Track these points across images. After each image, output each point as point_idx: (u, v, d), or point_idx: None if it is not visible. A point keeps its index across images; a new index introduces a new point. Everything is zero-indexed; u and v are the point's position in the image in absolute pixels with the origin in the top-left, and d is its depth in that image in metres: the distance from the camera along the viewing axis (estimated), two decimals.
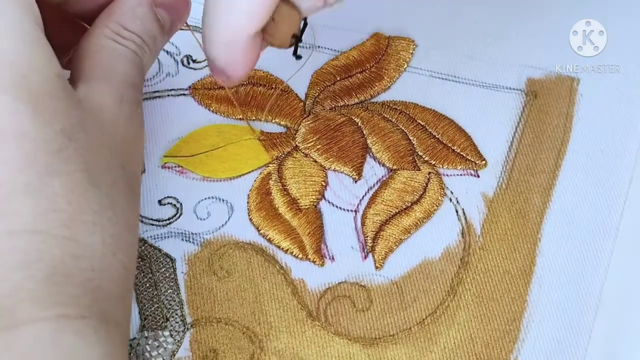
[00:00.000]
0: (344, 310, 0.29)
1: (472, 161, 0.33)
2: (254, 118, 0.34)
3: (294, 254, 0.31)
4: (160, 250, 0.30)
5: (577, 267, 0.30)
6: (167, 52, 0.36)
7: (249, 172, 0.33)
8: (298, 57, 0.29)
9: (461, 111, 0.35)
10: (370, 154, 0.33)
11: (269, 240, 0.31)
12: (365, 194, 0.32)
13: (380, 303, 0.30)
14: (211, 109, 0.34)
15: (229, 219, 0.31)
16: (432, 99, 0.35)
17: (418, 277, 0.30)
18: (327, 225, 0.31)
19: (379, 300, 0.30)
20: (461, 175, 0.33)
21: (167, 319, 0.29)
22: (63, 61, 0.25)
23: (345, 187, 0.33)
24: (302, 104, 0.35)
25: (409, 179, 0.33)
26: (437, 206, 0.32)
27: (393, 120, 0.34)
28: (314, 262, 0.30)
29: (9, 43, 0.22)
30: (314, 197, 0.32)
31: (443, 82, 0.36)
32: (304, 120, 0.34)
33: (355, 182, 0.33)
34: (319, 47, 0.37)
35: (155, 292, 0.29)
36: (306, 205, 0.32)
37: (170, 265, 0.30)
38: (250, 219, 0.31)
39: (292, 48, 0.29)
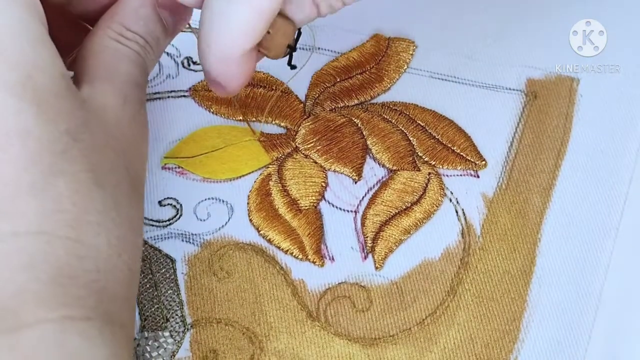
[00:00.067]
0: (344, 311, 0.29)
1: (472, 161, 0.33)
2: (254, 119, 0.34)
3: (294, 254, 0.31)
4: (160, 251, 0.30)
5: (577, 267, 0.30)
6: (167, 53, 0.36)
7: (249, 173, 0.33)
8: (293, 67, 0.30)
9: (461, 112, 0.35)
10: (370, 154, 0.33)
11: (269, 241, 0.31)
12: (365, 194, 0.32)
13: (380, 303, 0.30)
14: (211, 110, 0.34)
15: (229, 219, 0.31)
16: (432, 100, 0.35)
17: (418, 278, 0.30)
18: (327, 226, 0.32)
19: (378, 300, 0.30)
20: (461, 175, 0.33)
21: (167, 320, 0.29)
22: (66, 61, 0.25)
23: (345, 188, 0.33)
24: (302, 105, 0.35)
25: (408, 179, 0.33)
26: (437, 206, 0.32)
27: (393, 121, 0.34)
28: (314, 262, 0.31)
29: (14, 43, 0.22)
30: (314, 197, 0.32)
31: (443, 83, 0.36)
32: (304, 122, 0.34)
33: (355, 182, 0.33)
34: (318, 48, 0.37)
35: (156, 293, 0.29)
36: (306, 206, 0.32)
37: (171, 266, 0.30)
38: (251, 220, 0.31)
39: (287, 57, 0.29)
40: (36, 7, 0.24)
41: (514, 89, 0.35)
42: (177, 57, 0.36)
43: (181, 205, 0.32)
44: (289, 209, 0.32)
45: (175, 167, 0.33)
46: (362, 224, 0.32)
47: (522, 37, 0.37)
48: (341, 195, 0.32)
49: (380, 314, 0.29)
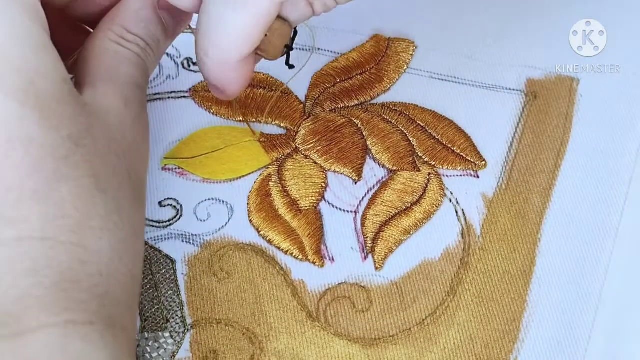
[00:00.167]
0: (344, 311, 0.29)
1: (472, 162, 0.33)
2: (254, 120, 0.34)
3: (294, 255, 0.31)
4: (160, 251, 0.30)
5: (577, 267, 0.30)
6: (167, 54, 0.36)
7: (249, 173, 0.33)
8: (291, 67, 0.30)
9: (461, 112, 0.35)
10: (370, 155, 0.33)
11: (269, 242, 0.31)
12: (365, 195, 0.32)
13: (380, 304, 0.30)
14: (211, 111, 0.34)
15: (229, 220, 0.32)
16: (432, 100, 0.35)
17: (418, 278, 0.30)
18: (327, 227, 0.32)
19: (378, 301, 0.30)
20: (461, 175, 0.33)
21: (168, 320, 0.29)
22: (67, 64, 0.25)
23: (345, 189, 0.33)
24: (302, 105, 0.35)
25: (408, 179, 0.33)
26: (437, 207, 0.32)
27: (393, 121, 0.34)
28: (314, 263, 0.31)
29: (17, 49, 0.22)
30: (314, 198, 0.32)
31: (443, 83, 0.36)
32: (304, 122, 0.34)
33: (355, 183, 0.33)
34: (318, 49, 0.37)
35: (156, 294, 0.29)
36: (306, 207, 0.32)
37: (171, 266, 0.30)
38: (251, 221, 0.31)
39: (285, 57, 0.29)
40: (38, 13, 0.24)
41: (514, 89, 0.35)
42: (177, 58, 0.36)
43: (181, 205, 0.32)
44: (289, 209, 0.32)
45: (176, 168, 0.33)
46: (362, 225, 0.32)
47: (522, 37, 0.37)
48: (341, 196, 0.32)
49: (380, 315, 0.29)
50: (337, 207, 0.32)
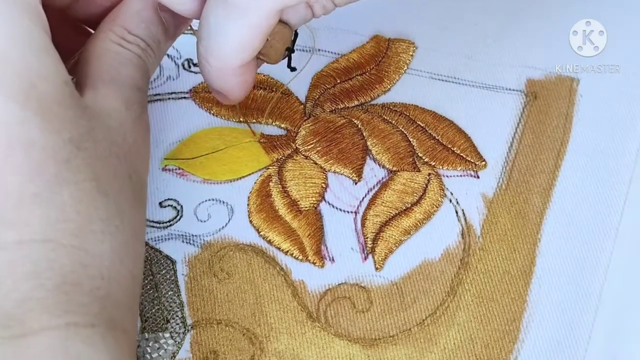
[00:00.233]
0: (344, 312, 0.29)
1: (472, 162, 0.33)
2: (254, 121, 0.34)
3: (294, 255, 0.31)
4: (160, 252, 0.30)
5: (577, 267, 0.30)
6: (168, 55, 0.36)
7: (250, 174, 0.33)
8: (292, 69, 0.30)
9: (461, 112, 0.35)
10: (370, 155, 0.34)
11: (269, 242, 0.31)
12: (365, 195, 0.32)
13: (380, 304, 0.30)
14: (212, 112, 0.34)
15: (229, 220, 0.32)
16: (432, 101, 0.35)
17: (418, 278, 0.30)
18: (327, 227, 0.32)
19: (379, 301, 0.30)
20: (461, 176, 0.33)
21: (168, 321, 0.29)
22: (68, 65, 0.26)
23: (346, 189, 0.33)
24: (302, 106, 0.35)
25: (409, 180, 0.33)
26: (437, 207, 0.32)
27: (393, 122, 0.34)
28: (314, 263, 0.31)
29: (18, 51, 0.22)
30: (314, 198, 0.32)
31: (443, 84, 0.36)
32: (304, 123, 0.34)
33: (356, 183, 0.33)
34: (319, 50, 0.37)
35: (156, 294, 0.29)
36: (306, 207, 0.32)
37: (171, 267, 0.30)
38: (251, 221, 0.32)
39: (286, 60, 0.29)
40: (39, 16, 0.24)
41: (513, 90, 0.35)
42: (177, 58, 0.36)
43: (182, 206, 0.32)
44: (289, 210, 0.32)
45: (176, 169, 0.33)
46: (362, 225, 0.32)
47: (522, 37, 0.37)
48: (341, 196, 0.32)
49: (381, 315, 0.29)
50: (337, 208, 0.32)
